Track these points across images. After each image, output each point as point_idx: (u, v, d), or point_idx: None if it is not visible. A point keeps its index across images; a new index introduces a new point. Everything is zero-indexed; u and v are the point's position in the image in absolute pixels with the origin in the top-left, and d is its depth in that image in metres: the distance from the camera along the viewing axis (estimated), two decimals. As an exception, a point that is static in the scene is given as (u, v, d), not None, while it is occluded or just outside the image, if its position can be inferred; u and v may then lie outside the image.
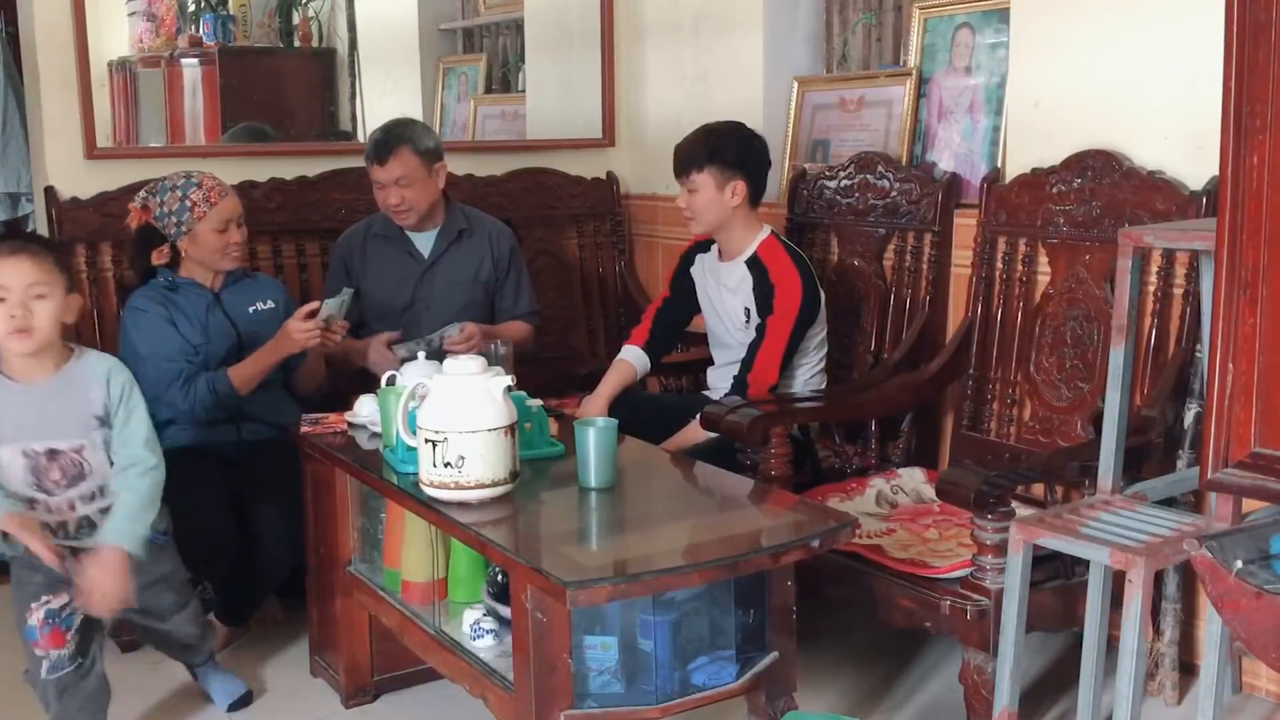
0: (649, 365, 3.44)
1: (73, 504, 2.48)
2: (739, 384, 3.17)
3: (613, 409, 3.26)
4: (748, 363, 3.19)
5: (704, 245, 3.41)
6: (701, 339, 3.61)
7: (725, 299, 3.32)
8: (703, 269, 3.41)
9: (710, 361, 3.49)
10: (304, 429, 2.88)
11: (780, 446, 2.95)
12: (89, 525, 2.50)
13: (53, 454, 2.44)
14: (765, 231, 3.27)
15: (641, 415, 3.12)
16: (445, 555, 2.58)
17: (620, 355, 3.44)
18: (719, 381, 3.36)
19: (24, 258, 2.36)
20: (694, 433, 3.13)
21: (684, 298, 3.46)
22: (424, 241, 3.55)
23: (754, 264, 3.23)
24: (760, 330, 3.19)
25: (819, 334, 3.30)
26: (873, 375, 3.34)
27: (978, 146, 3.44)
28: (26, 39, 3.63)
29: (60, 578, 2.43)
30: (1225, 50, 1.55)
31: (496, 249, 3.61)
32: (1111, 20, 2.95)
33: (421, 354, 2.79)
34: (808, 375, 3.30)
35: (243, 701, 2.89)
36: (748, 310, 3.24)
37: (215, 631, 3.11)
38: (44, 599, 2.46)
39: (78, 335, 3.49)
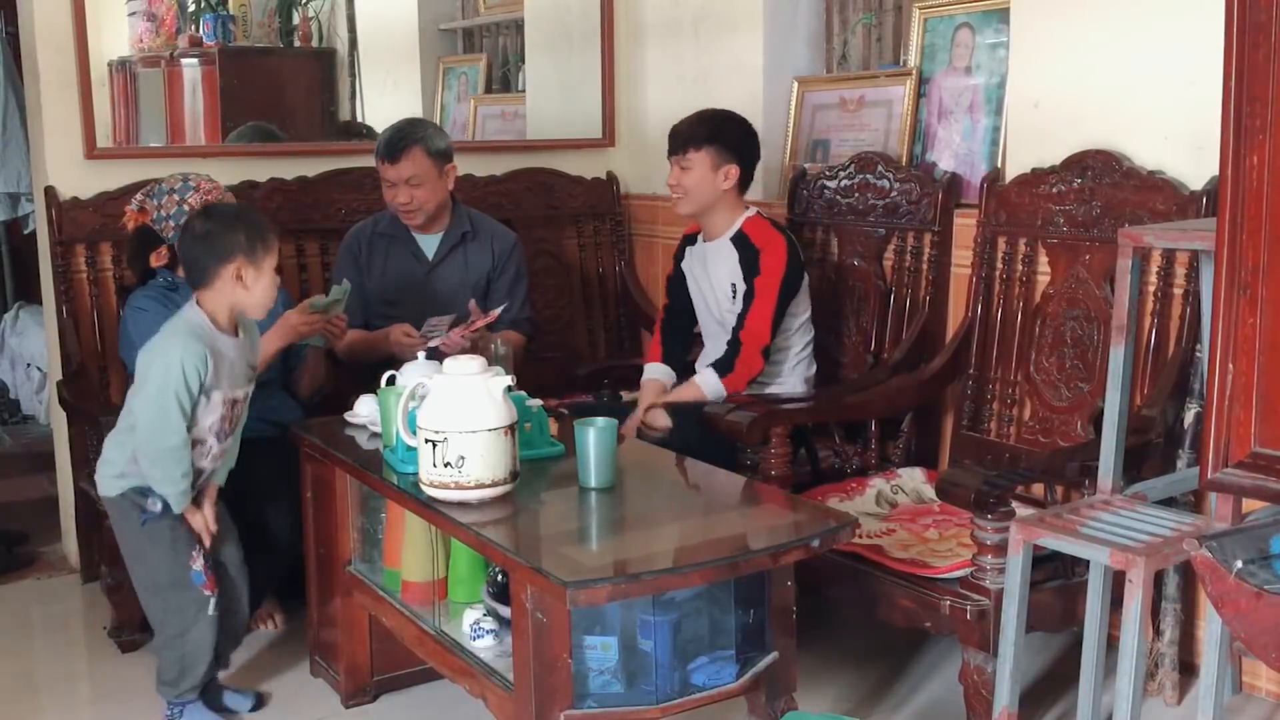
0: (674, 374, 3.43)
1: (219, 454, 2.71)
2: (733, 344, 3.22)
3: (597, 406, 3.34)
4: (740, 321, 3.23)
5: (692, 238, 3.44)
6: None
7: (712, 278, 3.34)
8: (691, 259, 3.44)
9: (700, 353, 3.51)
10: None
11: (780, 446, 2.95)
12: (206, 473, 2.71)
13: (234, 403, 2.69)
14: (750, 211, 3.33)
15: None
16: (445, 555, 2.58)
17: (645, 374, 3.45)
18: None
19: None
20: (691, 390, 3.20)
21: (683, 300, 3.48)
22: (429, 244, 3.56)
23: (739, 238, 3.28)
24: (748, 295, 3.22)
25: (803, 314, 3.32)
26: (873, 375, 3.34)
27: (978, 146, 3.44)
28: (26, 39, 3.63)
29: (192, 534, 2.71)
30: (1225, 50, 1.55)
31: (495, 251, 3.61)
32: (1111, 20, 2.95)
33: (443, 332, 3.10)
34: (794, 362, 3.31)
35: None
36: (734, 286, 3.27)
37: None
38: (197, 548, 2.70)
39: (78, 335, 3.52)
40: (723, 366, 3.22)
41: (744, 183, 3.31)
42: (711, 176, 3.25)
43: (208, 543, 2.71)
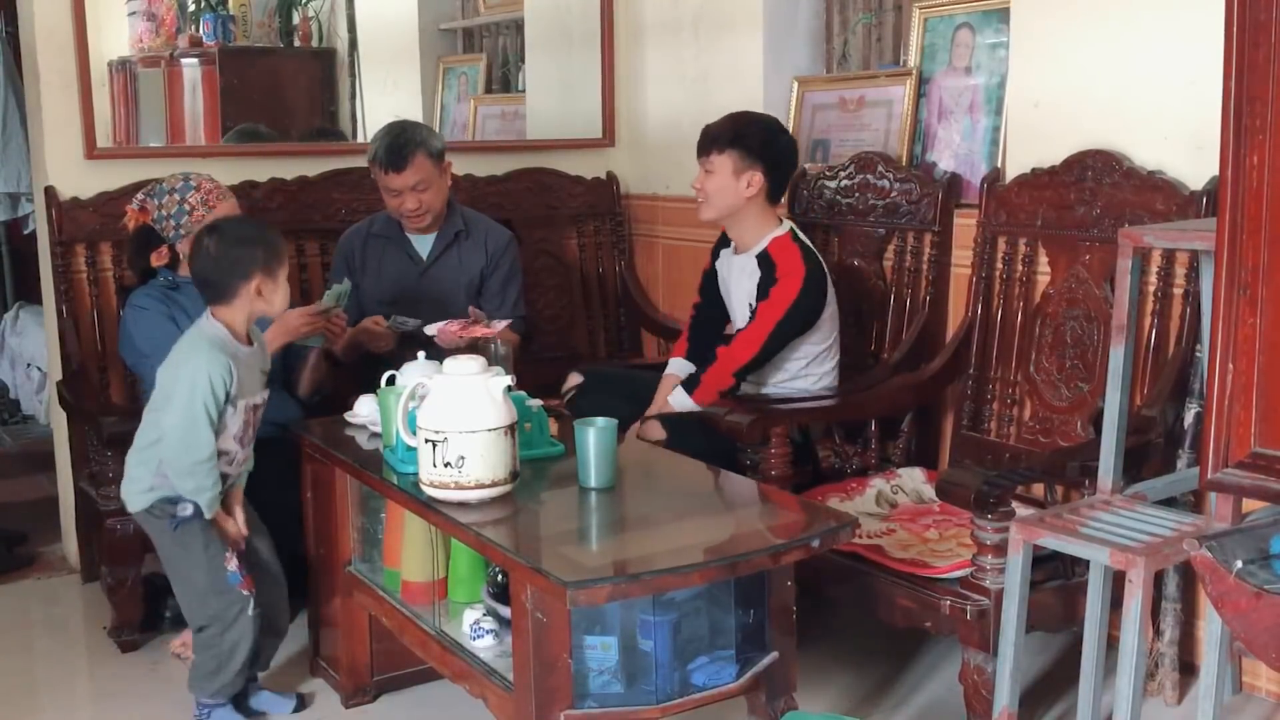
0: (696, 369, 3.38)
1: (243, 460, 2.74)
2: (711, 358, 3.19)
3: (585, 386, 3.36)
4: (728, 340, 3.18)
5: (727, 238, 3.37)
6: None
7: (735, 291, 3.30)
8: (723, 262, 3.38)
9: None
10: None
11: (780, 446, 2.95)
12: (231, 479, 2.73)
13: (255, 409, 2.72)
14: (782, 228, 3.23)
15: (614, 390, 3.23)
16: (445, 555, 2.58)
17: (668, 369, 3.40)
18: None
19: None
20: (669, 408, 3.17)
21: (714, 297, 3.41)
22: (423, 243, 3.56)
23: (763, 259, 3.19)
24: (752, 315, 3.18)
25: (823, 344, 3.25)
26: (873, 375, 3.34)
27: (978, 146, 3.44)
28: (26, 39, 3.63)
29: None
30: (1225, 50, 1.55)
31: (490, 249, 3.60)
32: (1112, 20, 2.95)
33: (413, 323, 3.14)
34: (813, 385, 3.27)
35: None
36: (750, 305, 3.22)
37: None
38: (230, 549, 2.72)
39: (78, 335, 3.52)
40: (691, 383, 3.19)
41: (773, 192, 3.21)
42: (733, 182, 3.15)
43: (242, 546, 2.73)
